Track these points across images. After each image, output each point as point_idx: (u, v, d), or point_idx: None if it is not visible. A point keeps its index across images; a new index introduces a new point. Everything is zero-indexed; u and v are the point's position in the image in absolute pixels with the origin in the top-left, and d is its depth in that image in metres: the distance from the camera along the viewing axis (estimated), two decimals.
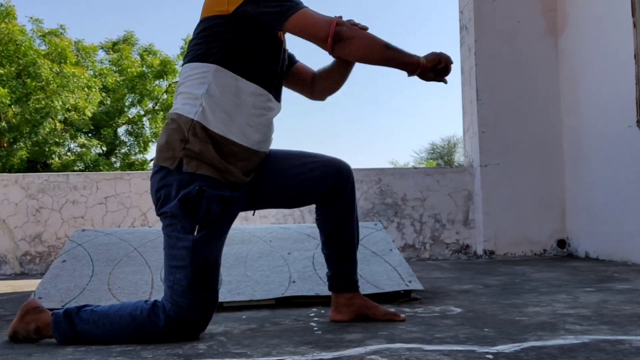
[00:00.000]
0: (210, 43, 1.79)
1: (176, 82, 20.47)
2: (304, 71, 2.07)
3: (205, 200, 1.72)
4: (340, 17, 1.80)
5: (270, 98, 1.87)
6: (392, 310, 2.10)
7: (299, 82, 2.07)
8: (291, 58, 2.06)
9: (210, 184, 1.74)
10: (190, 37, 1.90)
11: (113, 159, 20.22)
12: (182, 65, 1.90)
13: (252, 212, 2.10)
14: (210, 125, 1.76)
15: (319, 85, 2.06)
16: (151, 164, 21.23)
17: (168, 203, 1.75)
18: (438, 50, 1.85)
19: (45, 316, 1.77)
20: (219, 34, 1.79)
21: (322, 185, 1.94)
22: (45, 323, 1.75)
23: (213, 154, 1.75)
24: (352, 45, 1.77)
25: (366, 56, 1.80)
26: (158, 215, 1.80)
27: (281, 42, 1.90)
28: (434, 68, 1.81)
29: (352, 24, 1.82)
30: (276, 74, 1.89)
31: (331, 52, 1.80)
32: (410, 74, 1.83)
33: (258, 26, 1.80)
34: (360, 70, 65.88)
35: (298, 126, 47.69)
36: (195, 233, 1.72)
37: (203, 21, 1.84)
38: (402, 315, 2.03)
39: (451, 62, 1.84)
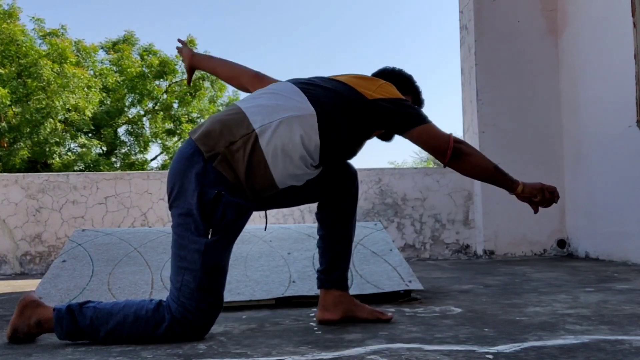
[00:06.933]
0: (331, 103, 1.82)
1: (177, 81, 20.43)
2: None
3: (222, 205, 1.71)
4: (451, 134, 1.89)
5: (314, 173, 1.89)
6: (378, 309, 2.08)
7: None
8: None
9: (230, 189, 1.72)
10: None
11: (113, 159, 20.20)
12: (289, 81, 1.92)
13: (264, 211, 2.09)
14: (264, 145, 1.73)
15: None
16: (151, 164, 21.29)
17: (184, 195, 1.73)
18: (547, 183, 1.98)
19: (45, 310, 1.76)
20: (347, 105, 1.84)
21: (330, 187, 1.97)
22: (47, 317, 1.75)
23: (243, 167, 1.72)
24: (467, 163, 1.89)
25: (478, 174, 1.92)
26: (171, 205, 1.77)
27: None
28: (529, 200, 1.95)
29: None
30: (342, 160, 1.97)
31: (445, 164, 1.89)
32: (510, 193, 1.98)
33: (384, 122, 1.87)
34: (360, 70, 65.74)
35: None
36: (209, 237, 1.71)
37: (344, 85, 1.88)
38: (389, 314, 2.03)
39: (551, 198, 1.94)
